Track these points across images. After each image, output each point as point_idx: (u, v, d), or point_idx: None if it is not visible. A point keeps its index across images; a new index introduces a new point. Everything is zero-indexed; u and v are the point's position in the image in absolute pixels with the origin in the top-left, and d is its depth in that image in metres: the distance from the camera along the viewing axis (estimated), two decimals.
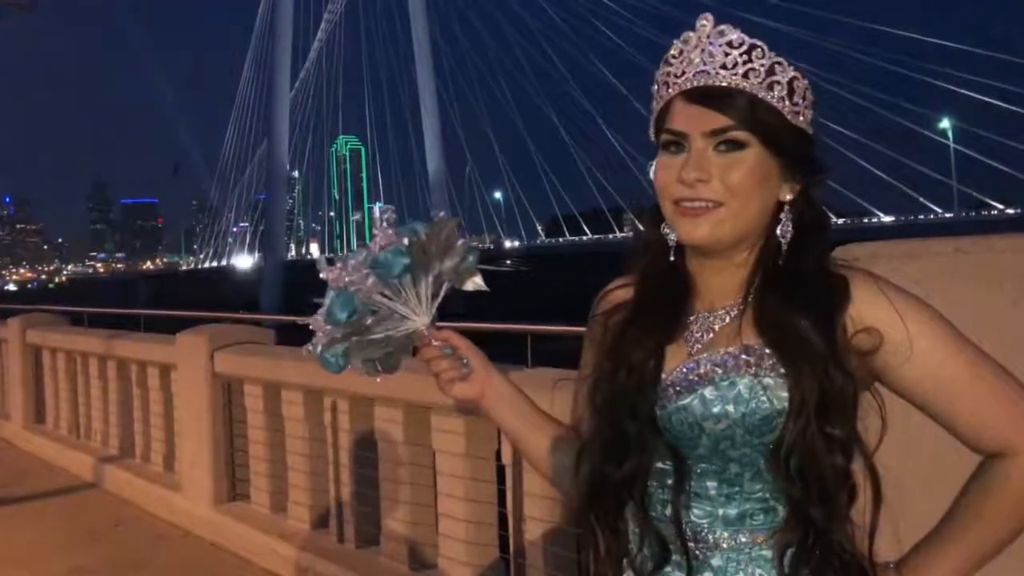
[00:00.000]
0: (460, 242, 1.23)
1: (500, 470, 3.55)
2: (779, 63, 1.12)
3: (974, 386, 1.09)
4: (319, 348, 1.23)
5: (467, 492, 3.58)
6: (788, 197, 1.15)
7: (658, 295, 1.19)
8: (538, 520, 3.22)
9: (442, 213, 1.26)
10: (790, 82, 1.12)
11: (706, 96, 1.11)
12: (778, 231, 1.15)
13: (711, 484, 1.13)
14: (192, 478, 5.19)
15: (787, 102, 1.11)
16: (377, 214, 1.24)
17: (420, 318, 1.23)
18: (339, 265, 1.21)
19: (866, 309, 1.10)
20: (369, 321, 1.21)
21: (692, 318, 1.18)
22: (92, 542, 4.93)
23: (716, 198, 1.10)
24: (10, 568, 4.53)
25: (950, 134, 63.31)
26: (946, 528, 1.13)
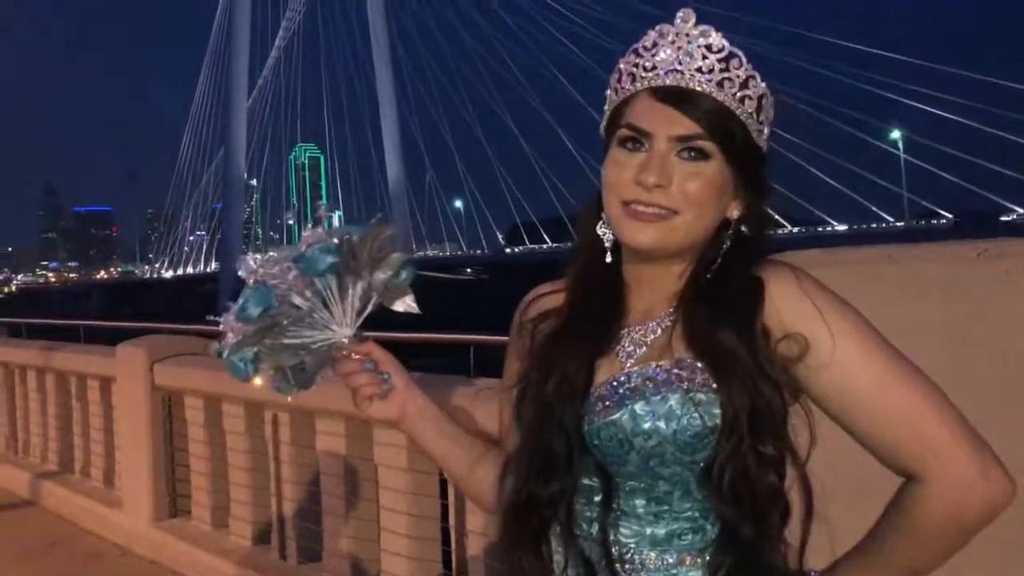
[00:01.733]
0: (395, 254, 1.15)
1: (444, 484, 3.49)
2: (753, 77, 1.08)
3: (893, 397, 1.03)
4: (227, 351, 1.14)
5: (410, 507, 3.51)
6: (735, 214, 1.11)
7: (590, 303, 1.15)
8: (480, 535, 3.17)
9: (379, 215, 1.19)
10: (760, 98, 1.09)
11: (678, 98, 1.06)
12: (723, 246, 1.10)
13: (639, 502, 1.09)
14: (132, 494, 5.04)
15: (754, 119, 1.08)
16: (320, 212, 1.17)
17: (342, 329, 1.16)
18: (259, 259, 1.14)
19: (785, 307, 1.06)
20: (285, 322, 1.13)
21: (624, 330, 1.13)
22: (24, 563, 4.75)
23: (672, 206, 1.06)
24: None
25: (900, 145, 64.78)
26: (868, 546, 1.09)
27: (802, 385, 1.07)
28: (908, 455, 1.03)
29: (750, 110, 1.08)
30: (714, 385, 1.04)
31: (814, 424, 1.08)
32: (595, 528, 1.10)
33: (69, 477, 5.95)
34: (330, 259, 1.11)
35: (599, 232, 1.14)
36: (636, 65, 1.10)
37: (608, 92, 1.14)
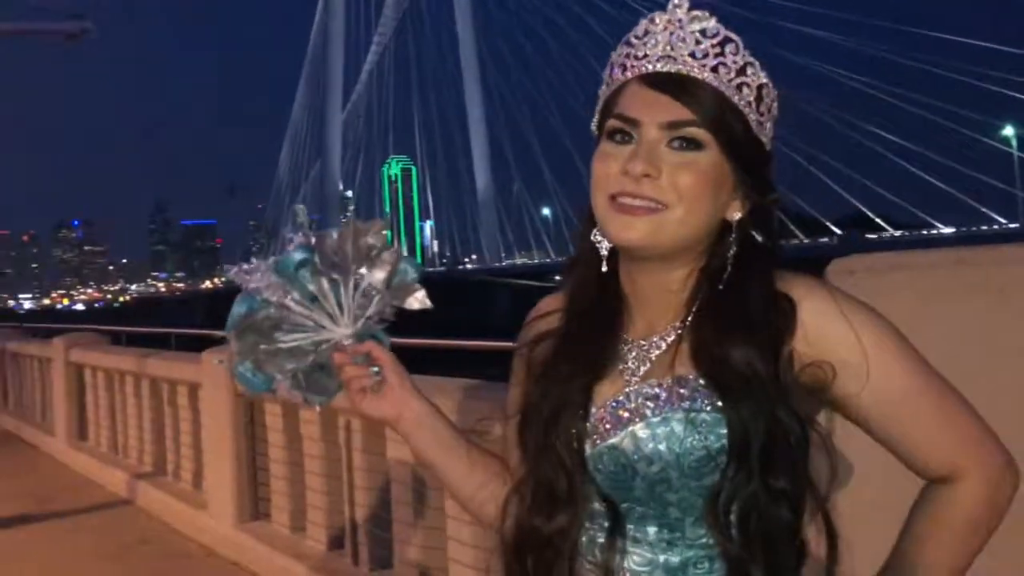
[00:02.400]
0: (388, 251, 1.11)
1: None
2: (751, 64, 1.01)
3: (927, 408, 1.00)
4: (233, 362, 1.13)
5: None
6: (736, 216, 1.03)
7: (588, 320, 1.07)
8: None
9: (344, 214, 1.16)
10: (759, 88, 1.01)
11: (669, 83, 0.99)
12: (730, 253, 1.02)
13: (651, 529, 1.02)
14: (217, 496, 5.21)
15: (754, 108, 1.01)
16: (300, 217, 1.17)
17: (340, 329, 1.11)
18: (243, 267, 1.11)
19: (818, 329, 0.98)
20: (277, 327, 1.11)
21: (627, 346, 1.06)
22: (118, 559, 4.97)
23: (661, 198, 0.98)
24: None
25: (1014, 142, 61.34)
26: (906, 555, 1.02)
27: (833, 405, 1.02)
28: (943, 458, 1.01)
29: (748, 98, 1.00)
30: (719, 403, 0.97)
31: (836, 460, 1.00)
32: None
33: (161, 478, 6.21)
34: (299, 256, 1.09)
35: (593, 239, 1.07)
36: (627, 55, 1.03)
37: (601, 89, 1.08)
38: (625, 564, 1.02)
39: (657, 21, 1.02)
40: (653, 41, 1.01)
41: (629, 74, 1.02)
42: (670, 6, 1.02)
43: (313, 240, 1.10)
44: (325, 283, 1.11)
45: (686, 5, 1.02)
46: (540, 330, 1.12)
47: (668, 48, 1.00)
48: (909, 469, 1.03)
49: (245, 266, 1.12)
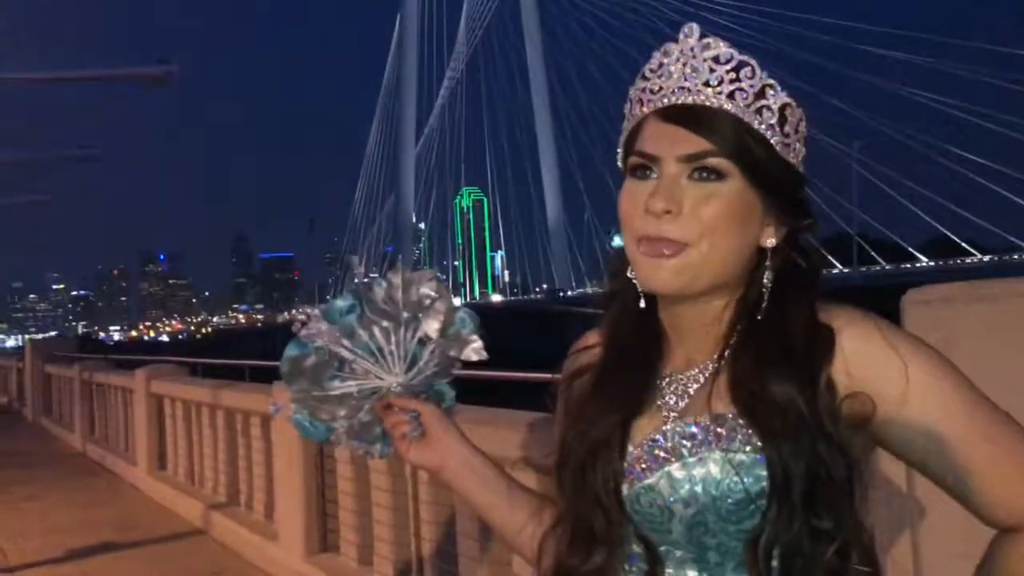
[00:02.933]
0: (442, 303, 1.12)
1: None
2: (770, 86, 0.97)
3: (988, 450, 0.92)
4: (290, 409, 1.15)
5: None
6: (771, 243, 0.99)
7: (625, 355, 1.05)
8: None
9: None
10: (781, 109, 0.97)
11: (684, 115, 0.97)
12: (765, 279, 0.99)
13: (691, 573, 0.98)
14: (287, 528, 5.25)
15: (777, 131, 0.97)
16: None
17: (389, 377, 1.13)
18: (298, 317, 1.15)
19: (858, 358, 0.93)
20: (329, 374, 1.12)
21: (666, 380, 1.03)
22: None
23: (682, 238, 0.95)
24: None
25: None
26: None
27: (884, 442, 0.95)
28: (1011, 508, 0.93)
29: (770, 121, 0.96)
30: (758, 444, 0.92)
31: (867, 491, 0.94)
32: None
33: (235, 509, 6.31)
34: (344, 303, 1.11)
35: (630, 275, 1.04)
36: (643, 90, 1.01)
37: (623, 124, 1.06)
38: None
39: (670, 52, 1.00)
40: (667, 73, 0.99)
41: (646, 109, 1.01)
42: (681, 35, 1.00)
43: (361, 287, 1.13)
44: (377, 331, 1.12)
45: (696, 33, 0.99)
46: (581, 363, 1.11)
47: (682, 80, 0.98)
48: (975, 516, 0.95)
49: (300, 316, 1.15)
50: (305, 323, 1.13)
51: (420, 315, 1.12)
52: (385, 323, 1.12)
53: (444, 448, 1.16)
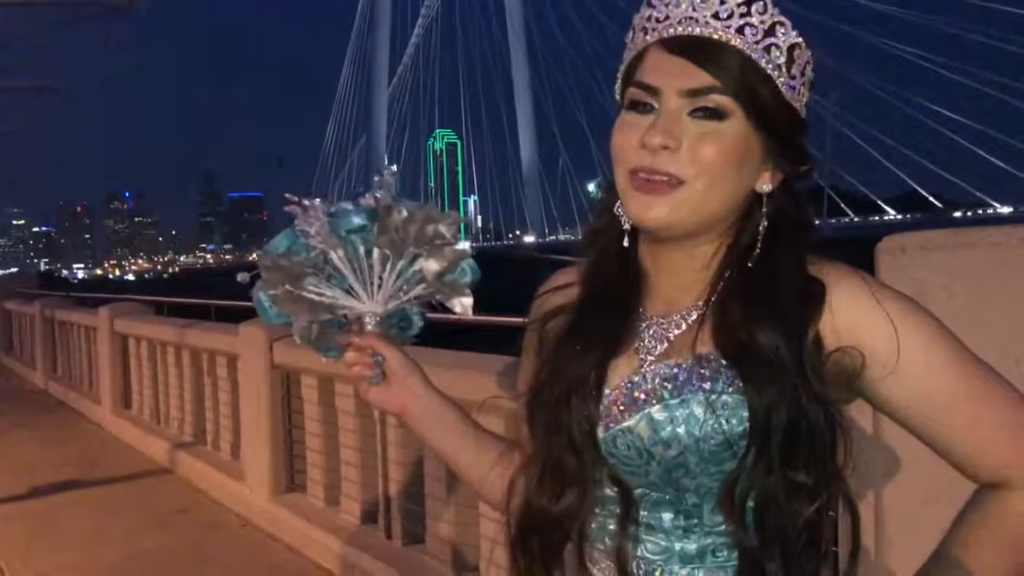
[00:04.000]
0: (454, 247, 1.07)
1: None
2: (781, 23, 0.92)
3: (974, 408, 0.91)
4: (259, 285, 1.10)
5: None
6: (767, 188, 0.96)
7: (605, 295, 1.01)
8: None
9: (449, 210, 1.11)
10: (790, 49, 0.93)
11: (690, 47, 0.92)
12: (760, 227, 0.96)
13: (667, 515, 0.96)
14: (253, 468, 5.24)
15: (784, 72, 0.92)
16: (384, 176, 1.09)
17: (367, 304, 1.08)
18: (303, 202, 1.07)
19: (847, 315, 0.91)
20: (308, 273, 1.06)
21: (645, 324, 1.00)
22: (155, 528, 5.03)
23: (679, 174, 0.91)
24: (67, 552, 4.66)
25: None
26: (934, 565, 0.95)
27: (862, 394, 0.94)
28: (995, 464, 0.92)
29: (778, 61, 0.92)
30: (741, 385, 0.90)
31: (851, 449, 0.93)
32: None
33: (201, 448, 6.28)
34: (358, 220, 1.04)
35: (616, 212, 1.00)
36: (648, 18, 0.96)
37: (624, 54, 1.00)
38: (638, 552, 0.98)
39: None
40: (675, 2, 0.94)
41: (650, 38, 0.95)
42: None
43: (381, 208, 1.05)
44: (376, 254, 1.06)
45: None
46: (555, 304, 1.07)
47: (690, 9, 0.93)
48: (959, 472, 0.94)
49: (306, 201, 1.07)
50: (305, 209, 1.05)
51: (424, 253, 1.07)
52: (388, 251, 1.06)
53: (406, 392, 1.12)
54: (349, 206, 1.07)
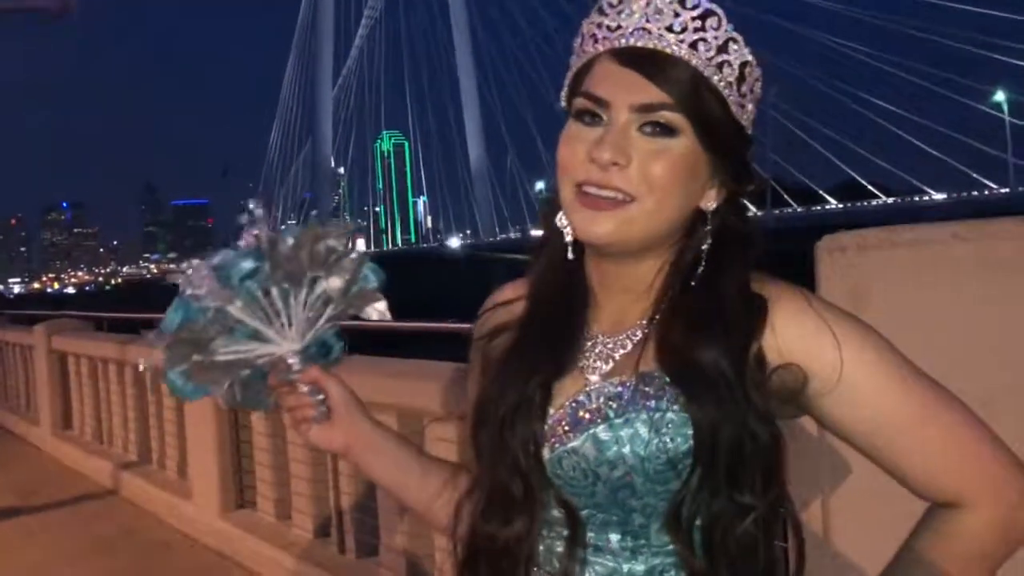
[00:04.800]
0: (352, 256, 1.02)
1: None
2: (734, 39, 0.91)
3: (920, 430, 0.90)
4: (164, 366, 1.02)
5: None
6: (712, 205, 0.94)
7: (550, 312, 0.99)
8: None
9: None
10: (742, 66, 0.91)
11: (643, 60, 0.90)
12: (704, 244, 0.95)
13: (614, 536, 0.95)
14: (201, 485, 5.12)
15: (735, 90, 0.91)
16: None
17: (285, 344, 1.02)
18: (183, 268, 1.00)
19: (789, 333, 0.91)
20: (215, 337, 1.00)
21: (591, 342, 0.98)
22: (101, 553, 4.88)
23: (629, 190, 0.90)
24: None
25: (1005, 107, 61.15)
26: None
27: (815, 417, 0.94)
28: (950, 484, 0.91)
29: (729, 79, 0.91)
30: (684, 402, 0.90)
31: (789, 463, 0.93)
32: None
33: (147, 468, 6.12)
34: (248, 264, 0.98)
35: (559, 223, 0.98)
36: (599, 25, 0.93)
37: (571, 59, 0.98)
38: (586, 574, 0.96)
39: None
40: (628, 11, 0.92)
41: (600, 47, 0.93)
42: None
43: (265, 244, 1.00)
44: (275, 291, 1.01)
45: None
46: (499, 320, 1.05)
47: (644, 20, 0.91)
48: (911, 492, 0.93)
49: (185, 266, 1.00)
50: (188, 277, 0.99)
51: (324, 272, 1.02)
52: (286, 284, 1.01)
53: (348, 428, 1.07)
54: (231, 254, 1.01)
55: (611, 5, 0.93)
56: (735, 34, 0.91)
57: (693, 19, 0.90)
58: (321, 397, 1.06)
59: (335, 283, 1.02)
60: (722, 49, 0.90)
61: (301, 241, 1.00)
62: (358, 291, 1.04)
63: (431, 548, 3.62)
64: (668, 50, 0.89)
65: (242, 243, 1.02)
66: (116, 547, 4.99)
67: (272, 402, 1.09)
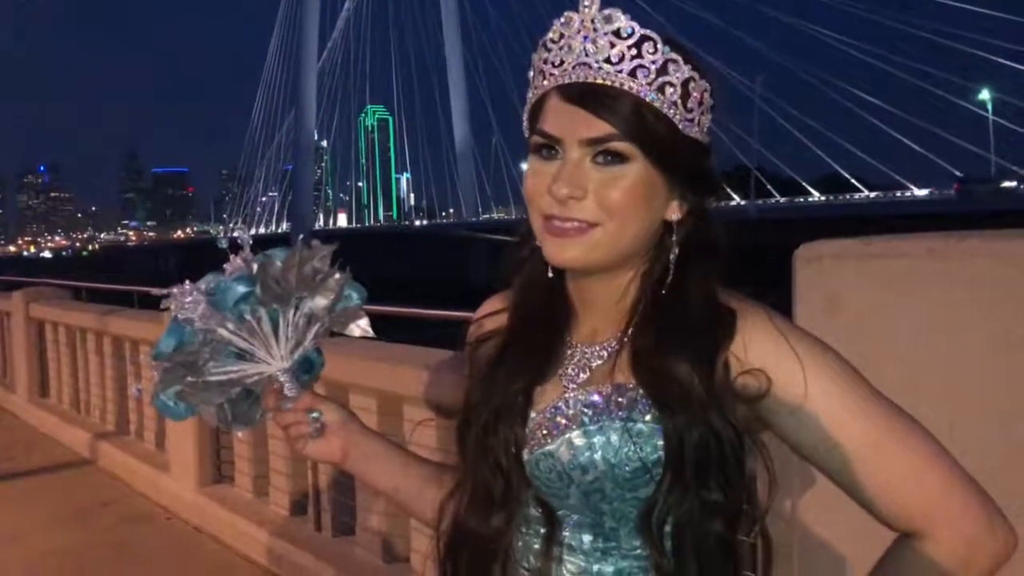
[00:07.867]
0: (335, 276, 1.07)
1: None
2: (673, 60, 0.94)
3: (879, 457, 0.92)
4: (156, 389, 1.07)
5: None
6: (675, 217, 0.99)
7: (532, 322, 1.05)
8: None
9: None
10: (684, 84, 0.94)
11: (585, 96, 0.94)
12: (671, 256, 0.99)
13: (586, 537, 1.00)
14: (179, 458, 5.14)
15: (680, 108, 0.94)
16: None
17: (275, 362, 1.07)
18: (178, 291, 1.04)
19: (754, 346, 0.95)
20: (208, 359, 1.04)
21: (570, 352, 1.04)
22: (76, 523, 4.90)
23: (590, 219, 0.94)
24: None
25: (989, 106, 61.59)
26: None
27: (779, 435, 0.97)
28: (909, 513, 0.93)
29: (673, 98, 0.94)
30: (658, 414, 0.94)
31: (773, 468, 0.96)
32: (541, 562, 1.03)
33: (124, 438, 6.13)
34: (242, 288, 1.03)
35: (539, 243, 1.02)
36: (545, 61, 0.97)
37: (528, 92, 1.02)
38: (560, 572, 1.01)
39: (570, 23, 0.95)
40: (568, 47, 0.95)
41: (547, 83, 0.97)
42: (581, 5, 0.95)
43: (255, 269, 1.04)
44: (263, 313, 1.05)
45: (597, 3, 0.94)
46: (487, 329, 1.11)
47: (583, 55, 0.94)
48: (875, 519, 0.95)
49: (177, 290, 1.04)
50: (179, 299, 1.03)
51: (310, 292, 1.07)
52: (275, 305, 1.06)
53: (343, 440, 1.14)
54: (222, 279, 1.05)
55: (553, 41, 0.97)
56: (673, 55, 0.94)
57: (629, 47, 0.93)
58: (315, 415, 1.12)
59: (321, 302, 1.07)
60: (661, 71, 0.93)
61: (289, 262, 1.04)
62: (342, 308, 1.09)
63: (406, 529, 3.67)
64: (608, 82, 0.93)
65: (228, 268, 1.06)
66: (92, 517, 5.00)
67: (260, 417, 1.14)
